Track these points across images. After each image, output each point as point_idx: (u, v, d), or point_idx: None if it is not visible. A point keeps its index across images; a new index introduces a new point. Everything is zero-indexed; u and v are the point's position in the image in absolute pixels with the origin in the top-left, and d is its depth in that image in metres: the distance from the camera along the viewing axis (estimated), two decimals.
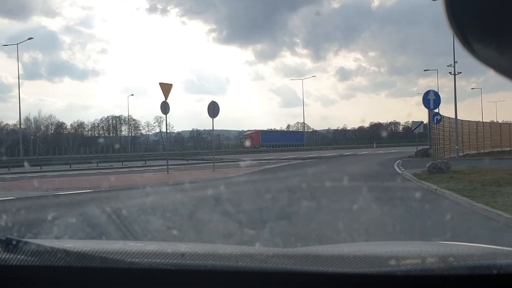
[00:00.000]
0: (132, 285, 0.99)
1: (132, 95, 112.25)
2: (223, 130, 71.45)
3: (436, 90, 19.68)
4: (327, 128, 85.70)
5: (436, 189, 9.11)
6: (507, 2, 0.57)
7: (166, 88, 16.60)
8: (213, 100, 17.37)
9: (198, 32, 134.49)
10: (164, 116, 18.65)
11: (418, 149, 27.44)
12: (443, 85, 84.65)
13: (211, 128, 20.35)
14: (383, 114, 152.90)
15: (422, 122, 28.26)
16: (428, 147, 25.47)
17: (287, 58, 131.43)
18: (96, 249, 1.01)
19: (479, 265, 0.93)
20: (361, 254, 1.06)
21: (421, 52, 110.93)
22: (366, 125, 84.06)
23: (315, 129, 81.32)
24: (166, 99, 16.51)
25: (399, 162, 19.53)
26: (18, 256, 0.98)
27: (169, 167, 17.91)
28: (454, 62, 26.10)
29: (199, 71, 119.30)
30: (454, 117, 25.86)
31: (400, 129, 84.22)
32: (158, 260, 0.99)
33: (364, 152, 38.10)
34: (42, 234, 5.23)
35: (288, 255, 1.03)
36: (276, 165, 21.78)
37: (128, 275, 0.99)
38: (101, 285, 1.00)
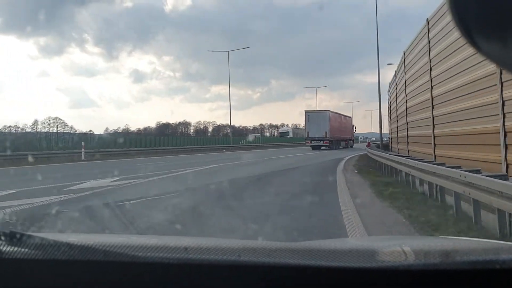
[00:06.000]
0: (135, 279, 1.00)
1: None
2: None
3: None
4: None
5: None
6: None
7: None
8: None
9: None
10: None
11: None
12: (233, 93, 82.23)
13: None
14: (178, 117, 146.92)
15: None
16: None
17: (76, 55, 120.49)
18: (99, 242, 1.02)
19: (481, 260, 0.93)
20: (364, 248, 1.06)
21: (213, 60, 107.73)
22: (153, 125, 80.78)
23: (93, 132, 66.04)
24: None
25: None
26: (22, 250, 0.99)
27: None
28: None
29: None
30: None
31: (191, 130, 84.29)
32: (162, 254, 0.99)
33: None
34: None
35: (290, 249, 1.03)
36: None
37: (131, 269, 0.99)
38: (104, 278, 1.00)
